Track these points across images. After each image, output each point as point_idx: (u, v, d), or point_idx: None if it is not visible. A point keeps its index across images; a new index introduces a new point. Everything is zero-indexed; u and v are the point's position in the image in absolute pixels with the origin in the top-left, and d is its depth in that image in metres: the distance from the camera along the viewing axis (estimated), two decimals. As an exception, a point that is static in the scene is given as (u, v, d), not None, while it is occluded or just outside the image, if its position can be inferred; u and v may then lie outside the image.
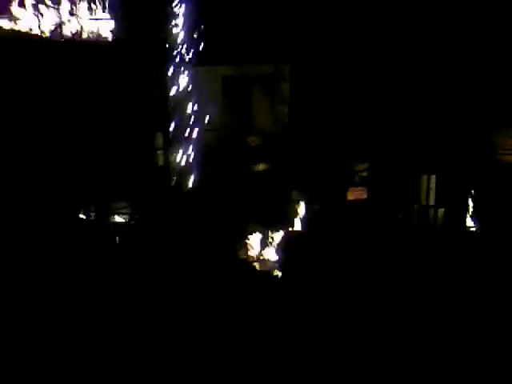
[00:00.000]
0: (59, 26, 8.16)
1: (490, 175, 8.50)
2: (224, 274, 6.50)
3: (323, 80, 8.93)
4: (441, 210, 8.54)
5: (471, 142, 8.62)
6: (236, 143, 9.10)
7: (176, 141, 8.61)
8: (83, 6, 8.32)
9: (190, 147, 8.82)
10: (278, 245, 7.94)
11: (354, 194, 8.71)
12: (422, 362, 5.14)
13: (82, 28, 8.27)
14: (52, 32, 8.18)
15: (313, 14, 8.85)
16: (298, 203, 8.56)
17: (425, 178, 8.67)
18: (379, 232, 8.14)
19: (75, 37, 8.20)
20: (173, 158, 8.51)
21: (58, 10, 8.16)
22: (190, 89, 9.04)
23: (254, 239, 8.16)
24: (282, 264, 7.62)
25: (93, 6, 8.34)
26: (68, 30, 8.21)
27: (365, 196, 8.74)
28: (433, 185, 8.66)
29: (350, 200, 8.67)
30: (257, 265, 7.82)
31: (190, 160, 8.77)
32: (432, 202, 8.64)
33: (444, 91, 8.67)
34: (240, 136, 9.20)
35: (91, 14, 8.34)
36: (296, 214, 8.48)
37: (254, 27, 8.85)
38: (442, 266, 7.18)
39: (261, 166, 9.01)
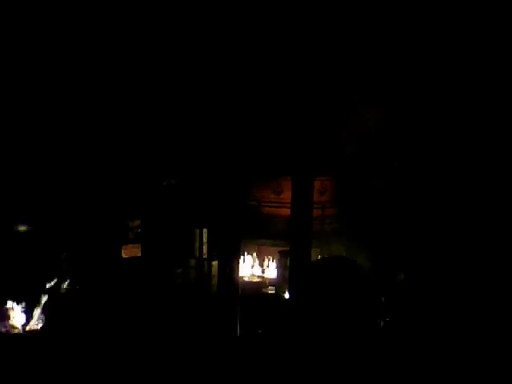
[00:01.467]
0: None
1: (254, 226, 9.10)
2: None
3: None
4: (214, 263, 8.76)
5: (236, 195, 9.09)
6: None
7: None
8: None
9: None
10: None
11: (128, 251, 8.42)
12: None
13: None
14: None
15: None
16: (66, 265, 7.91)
17: (197, 231, 8.86)
18: (154, 290, 8.02)
19: None
20: None
21: None
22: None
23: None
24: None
25: None
26: None
27: (139, 253, 8.51)
28: (205, 238, 8.88)
29: (125, 258, 8.35)
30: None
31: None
32: (205, 254, 8.84)
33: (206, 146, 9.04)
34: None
35: None
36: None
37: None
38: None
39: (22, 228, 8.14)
